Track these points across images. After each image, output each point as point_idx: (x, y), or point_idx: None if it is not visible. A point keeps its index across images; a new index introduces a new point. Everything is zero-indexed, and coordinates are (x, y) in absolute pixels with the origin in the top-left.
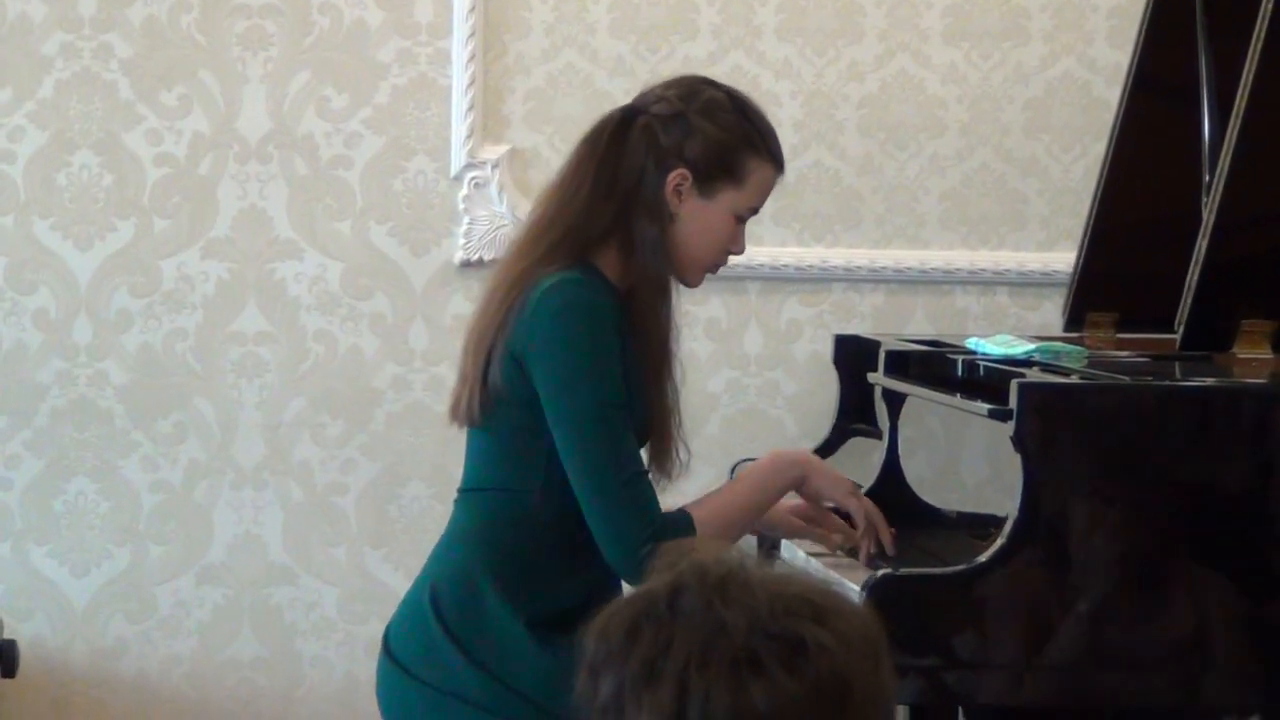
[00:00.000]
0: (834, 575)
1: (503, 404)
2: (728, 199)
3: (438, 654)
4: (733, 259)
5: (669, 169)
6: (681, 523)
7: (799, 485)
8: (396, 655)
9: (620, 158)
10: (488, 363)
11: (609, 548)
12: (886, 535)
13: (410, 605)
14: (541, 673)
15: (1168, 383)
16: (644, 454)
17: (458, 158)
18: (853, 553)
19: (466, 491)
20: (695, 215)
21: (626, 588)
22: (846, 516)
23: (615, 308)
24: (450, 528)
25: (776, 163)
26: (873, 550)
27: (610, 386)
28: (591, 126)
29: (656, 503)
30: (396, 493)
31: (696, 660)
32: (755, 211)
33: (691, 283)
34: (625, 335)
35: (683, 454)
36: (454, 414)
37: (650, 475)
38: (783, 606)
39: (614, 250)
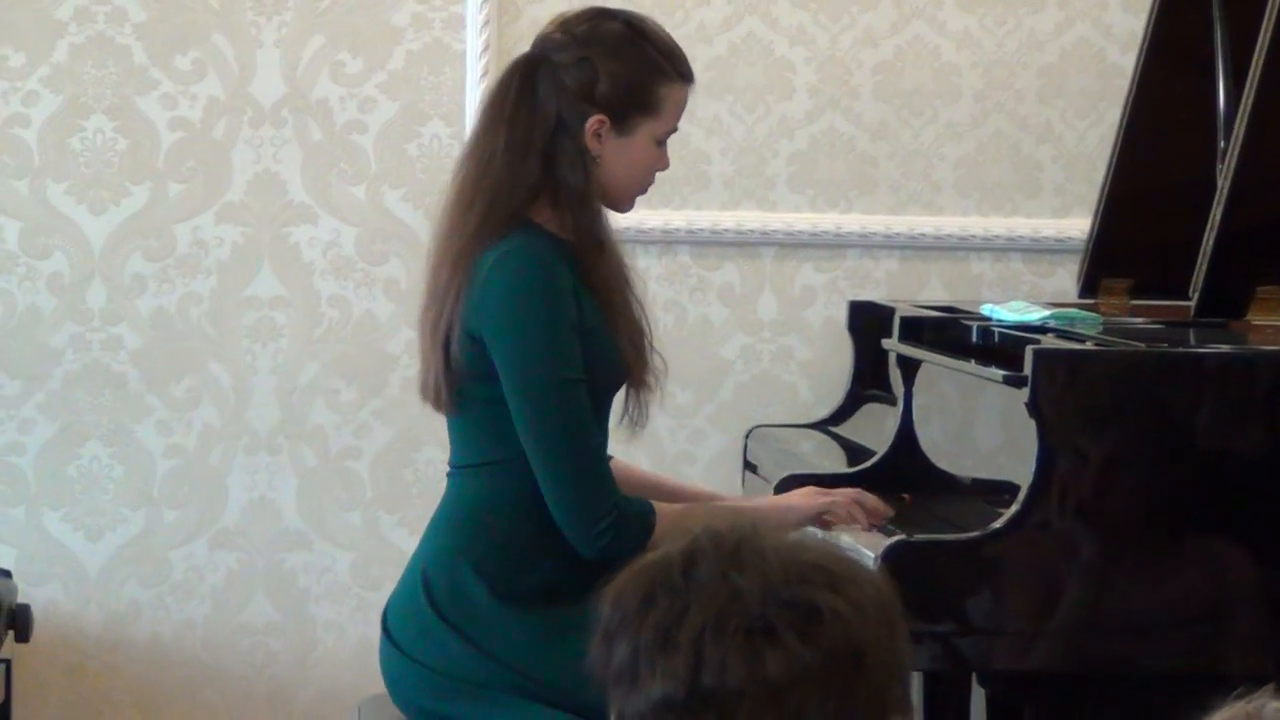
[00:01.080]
0: (848, 541)
1: (470, 382)
2: (646, 130)
3: (432, 637)
4: (747, 224)
5: (585, 115)
6: (645, 513)
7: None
8: (395, 637)
9: (532, 113)
10: (447, 345)
11: (566, 523)
12: (870, 514)
13: (404, 588)
14: (529, 645)
15: (1182, 349)
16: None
17: (472, 122)
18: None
19: (455, 470)
20: (618, 153)
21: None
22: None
23: (565, 264)
24: (439, 509)
25: (686, 78)
26: (876, 525)
27: (567, 360)
28: (494, 84)
29: (613, 479)
30: (411, 457)
31: (711, 628)
32: (674, 131)
33: (623, 209)
34: (580, 287)
35: (659, 364)
36: (424, 394)
37: (631, 398)
38: (797, 574)
39: (547, 206)
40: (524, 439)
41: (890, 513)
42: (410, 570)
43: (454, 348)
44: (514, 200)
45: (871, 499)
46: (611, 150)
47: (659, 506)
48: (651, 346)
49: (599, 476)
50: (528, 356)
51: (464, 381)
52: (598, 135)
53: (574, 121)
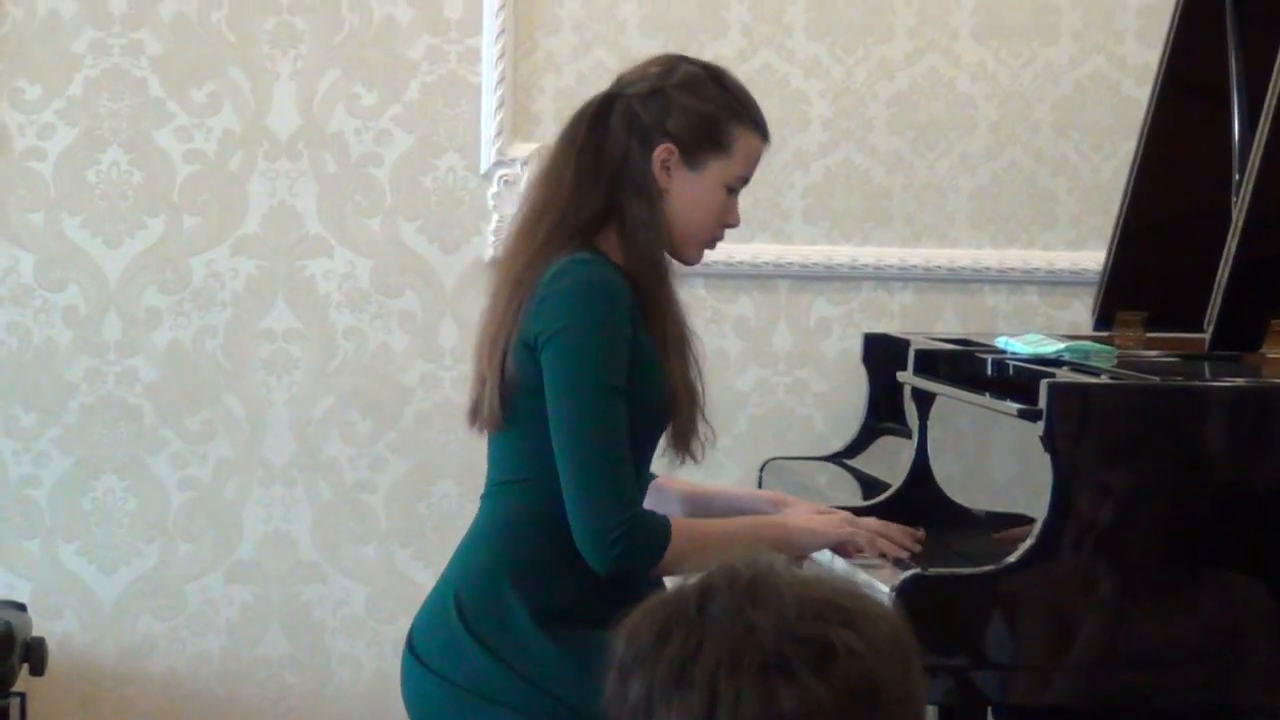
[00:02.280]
0: (863, 576)
1: (522, 395)
2: (716, 169)
3: (460, 651)
4: (762, 257)
5: (653, 145)
6: (659, 524)
7: (781, 550)
8: (420, 652)
9: (603, 141)
10: (503, 360)
11: (578, 529)
12: (901, 544)
13: (434, 605)
14: (560, 667)
15: (1197, 383)
16: (666, 437)
17: (487, 155)
18: (897, 561)
19: (493, 488)
20: (685, 188)
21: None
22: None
23: (626, 289)
24: (474, 527)
25: (761, 131)
26: (902, 555)
27: (614, 369)
28: (571, 115)
29: (638, 495)
30: (426, 490)
31: (726, 664)
32: (745, 182)
33: (689, 259)
34: (637, 317)
35: (706, 432)
36: (474, 418)
37: (671, 458)
38: (811, 610)
39: (613, 235)
40: (555, 438)
41: (921, 536)
42: (440, 588)
43: (510, 360)
44: (576, 224)
45: (895, 529)
46: (679, 183)
47: (679, 524)
48: (704, 415)
49: (620, 486)
50: (577, 357)
51: (516, 394)
52: (665, 166)
53: (644, 151)
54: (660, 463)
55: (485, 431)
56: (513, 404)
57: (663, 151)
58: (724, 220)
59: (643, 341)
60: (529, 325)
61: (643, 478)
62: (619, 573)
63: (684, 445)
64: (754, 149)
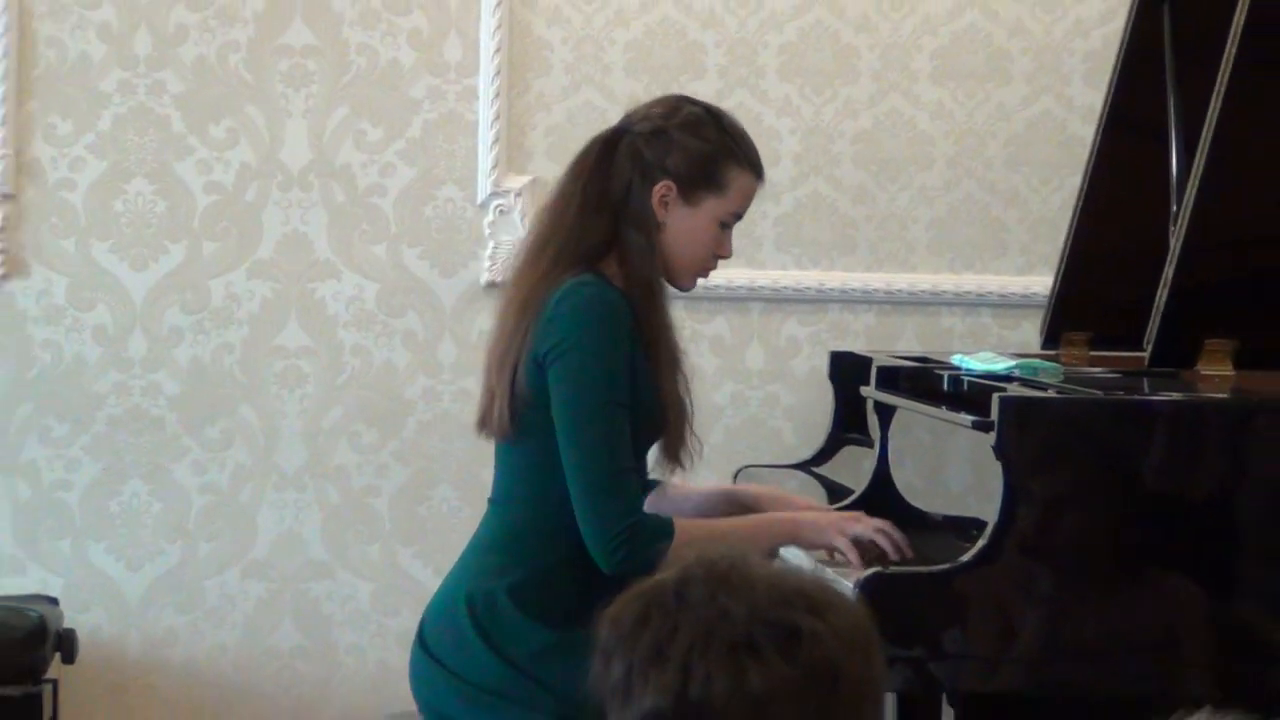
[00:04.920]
0: (830, 573)
1: (531, 410)
2: (711, 206)
3: (468, 649)
4: (736, 281)
5: (654, 181)
6: (663, 525)
7: (790, 543)
8: (430, 647)
9: (608, 174)
10: (513, 375)
11: (588, 533)
12: (891, 544)
13: (444, 602)
14: (562, 666)
15: (1137, 397)
16: (657, 448)
17: (483, 187)
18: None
19: (496, 503)
20: (681, 222)
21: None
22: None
23: (627, 308)
24: (484, 531)
25: (756, 170)
26: (895, 557)
27: (617, 385)
28: (579, 150)
29: (640, 500)
30: (426, 495)
31: (699, 644)
32: (739, 217)
33: (684, 286)
34: (635, 337)
35: (695, 444)
36: (482, 425)
37: (662, 467)
38: (780, 598)
39: (614, 262)
40: (564, 448)
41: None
42: (450, 587)
43: (520, 375)
44: (580, 250)
45: (898, 533)
46: (676, 218)
47: (684, 525)
48: (691, 428)
49: (624, 493)
50: (583, 375)
51: (525, 409)
52: (664, 201)
53: (644, 186)
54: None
55: (492, 439)
56: (522, 418)
57: (662, 188)
58: (717, 252)
59: (638, 357)
60: (538, 344)
61: (641, 484)
62: (625, 571)
63: (673, 456)
64: (748, 188)
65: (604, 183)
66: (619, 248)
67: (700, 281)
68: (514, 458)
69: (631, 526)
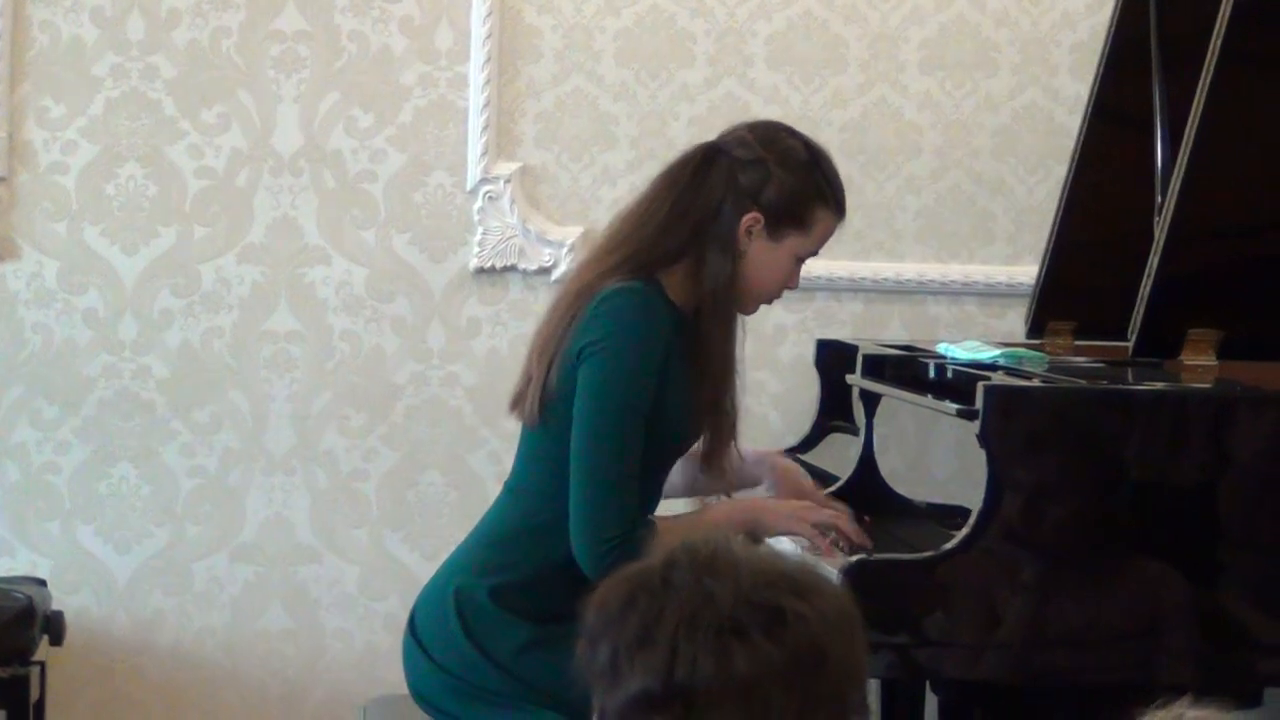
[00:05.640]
0: (813, 558)
1: (559, 401)
2: (793, 243)
3: (455, 644)
4: None
5: (744, 210)
6: (649, 539)
7: (753, 530)
8: (421, 638)
9: (699, 191)
10: (550, 366)
11: (577, 531)
12: (851, 532)
13: (435, 594)
14: (549, 665)
15: (1121, 386)
16: (696, 455)
17: (473, 173)
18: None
19: (510, 490)
20: (762, 255)
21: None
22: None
23: (671, 323)
24: (487, 522)
25: (840, 212)
26: (844, 548)
27: (639, 391)
28: (674, 160)
29: (638, 510)
30: (414, 479)
31: (686, 627)
32: (815, 254)
33: (748, 312)
34: (680, 351)
35: (736, 456)
36: (515, 406)
37: (702, 474)
38: (765, 581)
39: (680, 273)
40: (574, 440)
41: (869, 544)
42: (443, 577)
43: (555, 367)
44: (651, 257)
45: (855, 529)
46: (757, 249)
47: (660, 522)
48: (735, 441)
49: (623, 500)
50: (609, 375)
51: (554, 399)
52: (749, 232)
53: (734, 212)
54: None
55: (521, 421)
56: (551, 408)
57: (750, 220)
58: (787, 284)
59: (674, 366)
60: (576, 340)
61: (650, 499)
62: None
63: (714, 464)
64: (830, 228)
65: (693, 198)
66: (693, 263)
67: None
68: (536, 445)
69: (623, 539)
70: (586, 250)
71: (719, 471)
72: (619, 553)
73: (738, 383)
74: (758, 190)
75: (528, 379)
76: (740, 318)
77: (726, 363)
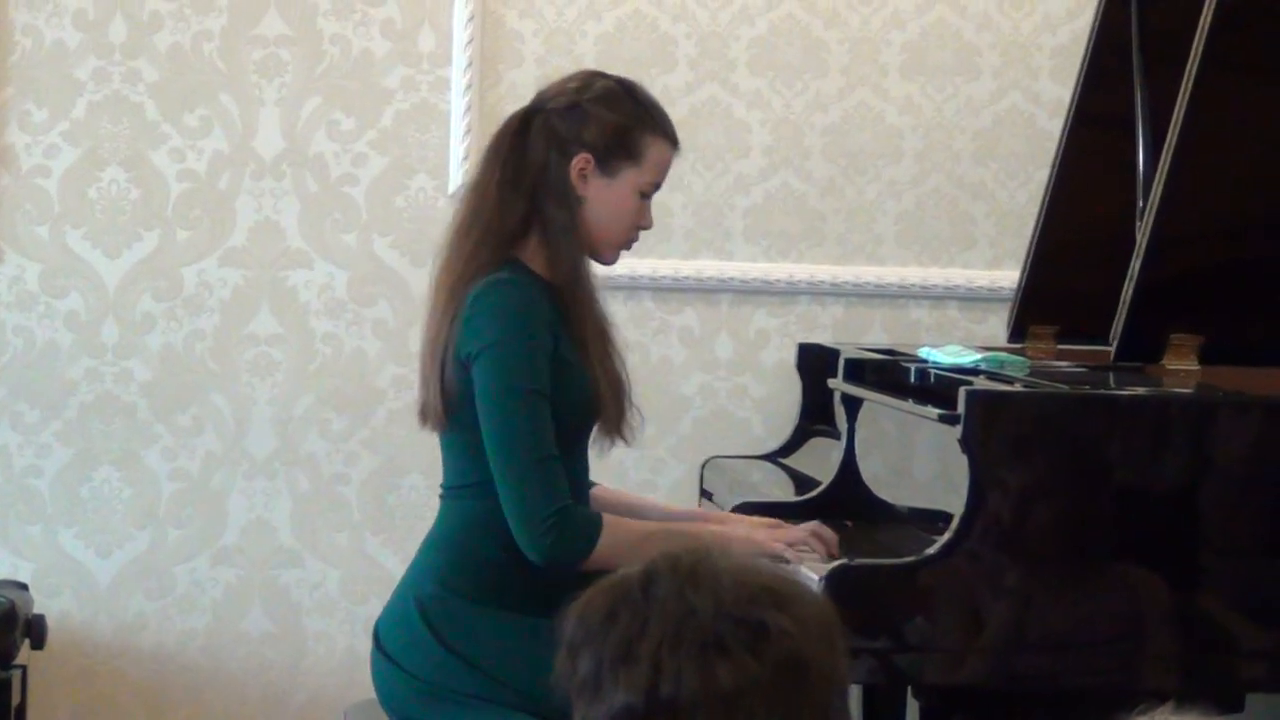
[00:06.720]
0: (793, 566)
1: (460, 405)
2: (630, 177)
3: (422, 648)
4: (706, 272)
5: (571, 155)
6: (592, 518)
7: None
8: (386, 649)
9: (524, 153)
10: (442, 368)
11: (514, 522)
12: (822, 549)
13: (396, 606)
14: (514, 657)
15: (1102, 391)
16: (597, 428)
17: (455, 177)
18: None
19: (447, 491)
20: (601, 194)
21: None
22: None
23: (547, 301)
24: (431, 532)
25: (671, 140)
26: (833, 555)
27: (535, 375)
28: (495, 131)
29: (566, 488)
30: (395, 483)
31: (669, 642)
32: (657, 187)
33: (607, 260)
34: (559, 325)
35: (636, 417)
36: (423, 418)
37: (603, 443)
38: (747, 594)
39: (533, 243)
40: (488, 443)
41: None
42: (402, 590)
43: (448, 371)
44: (502, 234)
45: (828, 532)
46: (595, 190)
47: (615, 520)
48: (630, 401)
49: (549, 481)
50: (500, 368)
51: (454, 404)
52: (583, 174)
53: (562, 161)
54: (594, 452)
55: (433, 431)
56: (454, 410)
57: (580, 161)
58: (638, 223)
59: (564, 346)
60: (461, 343)
61: (578, 474)
62: (553, 561)
63: (615, 430)
64: (664, 157)
65: (521, 162)
66: (540, 226)
67: (670, 272)
68: (454, 444)
69: (559, 512)
70: (441, 244)
71: (624, 437)
72: (557, 531)
73: (615, 336)
74: (579, 132)
75: (426, 384)
76: (593, 278)
77: (599, 322)
